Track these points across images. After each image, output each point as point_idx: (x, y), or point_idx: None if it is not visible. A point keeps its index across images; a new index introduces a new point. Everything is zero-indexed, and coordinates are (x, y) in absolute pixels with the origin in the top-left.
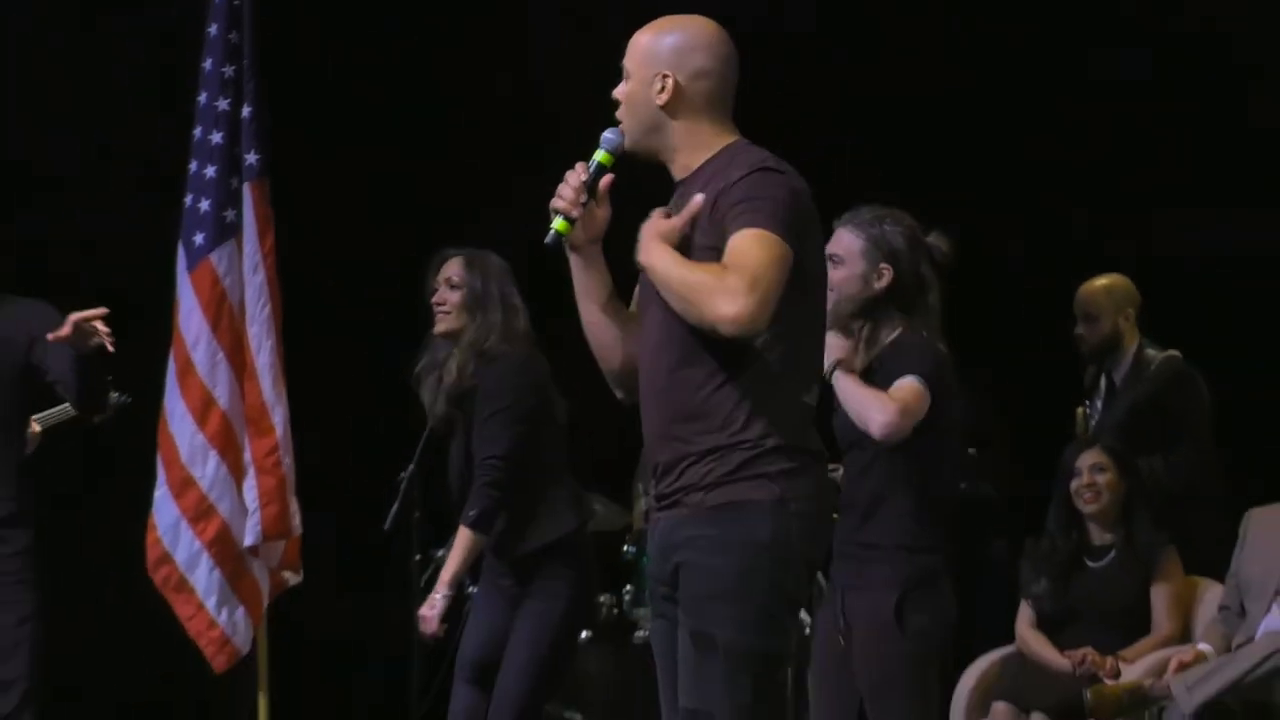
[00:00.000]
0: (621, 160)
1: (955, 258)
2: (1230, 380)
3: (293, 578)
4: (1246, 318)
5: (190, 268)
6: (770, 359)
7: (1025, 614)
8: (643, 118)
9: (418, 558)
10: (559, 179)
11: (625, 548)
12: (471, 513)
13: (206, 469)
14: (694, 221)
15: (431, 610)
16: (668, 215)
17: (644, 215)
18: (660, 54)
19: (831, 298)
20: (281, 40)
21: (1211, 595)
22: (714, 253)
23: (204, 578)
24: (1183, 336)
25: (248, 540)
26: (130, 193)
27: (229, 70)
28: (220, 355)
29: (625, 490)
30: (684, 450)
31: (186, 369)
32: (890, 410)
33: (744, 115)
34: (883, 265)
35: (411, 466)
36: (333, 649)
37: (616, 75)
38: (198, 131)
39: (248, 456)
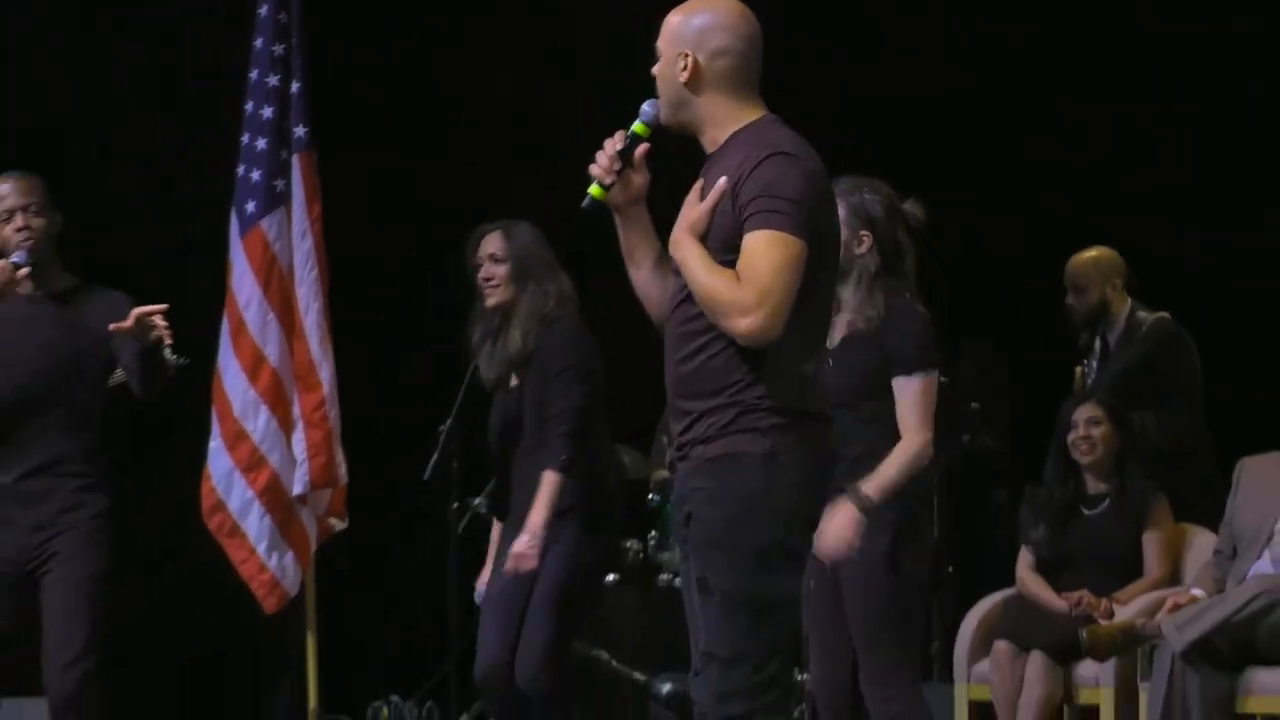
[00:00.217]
0: (658, 132)
1: (928, 223)
2: (1222, 344)
3: (338, 524)
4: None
5: (242, 234)
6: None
7: (1025, 558)
8: (670, 95)
9: (455, 506)
10: (556, 178)
11: (650, 496)
12: (561, 458)
13: (258, 422)
14: (719, 204)
15: (531, 549)
16: (701, 191)
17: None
18: (683, 34)
19: None
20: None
21: (1199, 541)
22: (737, 242)
23: (255, 524)
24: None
25: (296, 489)
26: (130, 191)
27: (279, 48)
28: (271, 315)
29: (649, 441)
30: (691, 408)
31: (239, 329)
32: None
33: None
34: (862, 232)
35: (450, 420)
36: (375, 592)
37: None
38: (249, 106)
39: (296, 411)
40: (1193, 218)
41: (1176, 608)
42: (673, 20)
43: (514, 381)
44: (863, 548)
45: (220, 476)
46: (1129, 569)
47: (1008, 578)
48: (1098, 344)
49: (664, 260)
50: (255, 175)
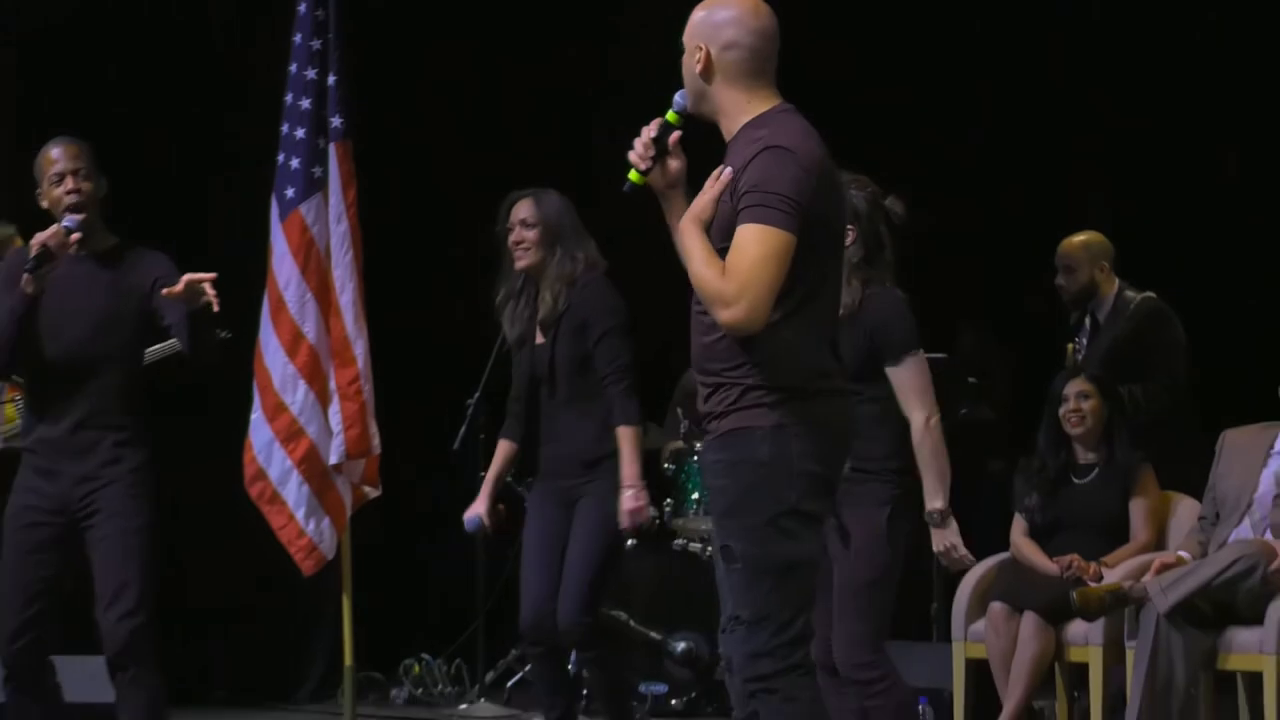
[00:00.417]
0: (689, 120)
1: (907, 219)
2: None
3: (372, 492)
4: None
5: (282, 218)
6: (783, 309)
7: (1019, 524)
8: (689, 86)
9: (482, 474)
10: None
11: (665, 465)
12: (631, 413)
13: (296, 396)
14: (722, 195)
15: (638, 503)
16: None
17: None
18: (698, 28)
19: None
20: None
21: (1183, 508)
22: (734, 233)
23: (294, 492)
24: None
25: (332, 459)
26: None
27: (316, 43)
28: (308, 295)
29: (663, 412)
30: (708, 382)
31: (279, 307)
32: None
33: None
34: (848, 226)
35: (478, 394)
36: (407, 556)
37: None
38: (289, 97)
39: (332, 385)
40: (1180, 201)
41: (1164, 568)
42: (694, 15)
43: (539, 339)
44: (864, 521)
45: (261, 447)
46: (1117, 534)
47: (1002, 543)
48: (1088, 321)
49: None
50: (294, 163)
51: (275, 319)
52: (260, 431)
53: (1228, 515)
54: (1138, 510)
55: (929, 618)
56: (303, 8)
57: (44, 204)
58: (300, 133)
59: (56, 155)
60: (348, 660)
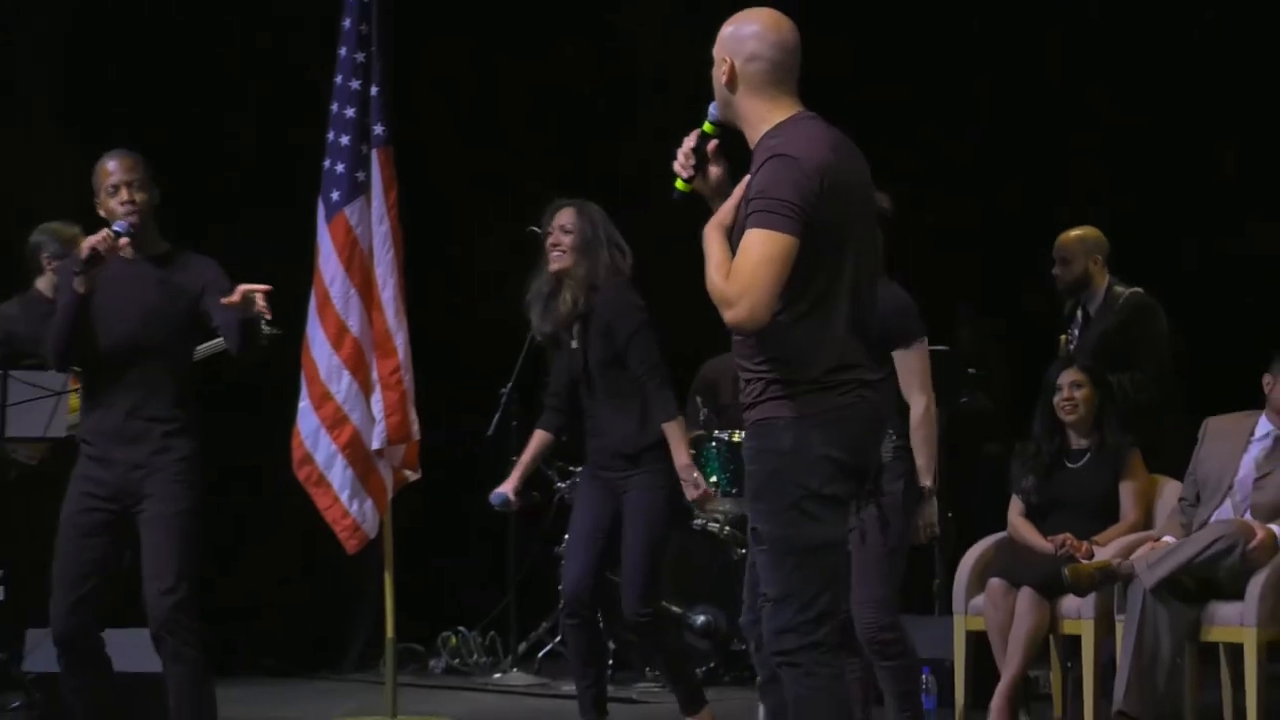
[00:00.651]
0: (724, 129)
1: (895, 214)
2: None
3: (412, 475)
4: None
5: (328, 219)
6: (798, 309)
7: (1015, 505)
8: (718, 96)
9: (514, 459)
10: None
11: None
12: (671, 408)
13: (341, 385)
14: (740, 201)
15: (698, 488)
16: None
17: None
18: (725, 42)
19: None
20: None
21: (1170, 490)
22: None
23: (339, 475)
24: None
25: (375, 444)
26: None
27: (360, 56)
28: (352, 291)
29: (682, 402)
30: (742, 375)
31: (325, 302)
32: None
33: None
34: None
35: (510, 384)
36: (444, 535)
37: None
38: (334, 107)
39: (375, 375)
40: (1178, 199)
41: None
42: (722, 30)
43: (573, 344)
44: (885, 491)
45: (308, 433)
46: (1107, 514)
47: (1000, 523)
48: (1079, 314)
49: None
50: (339, 168)
51: (321, 313)
52: (307, 419)
53: (1209, 497)
54: (1127, 492)
55: (931, 593)
56: (347, 23)
57: (101, 212)
58: (345, 140)
59: (113, 168)
60: (389, 632)
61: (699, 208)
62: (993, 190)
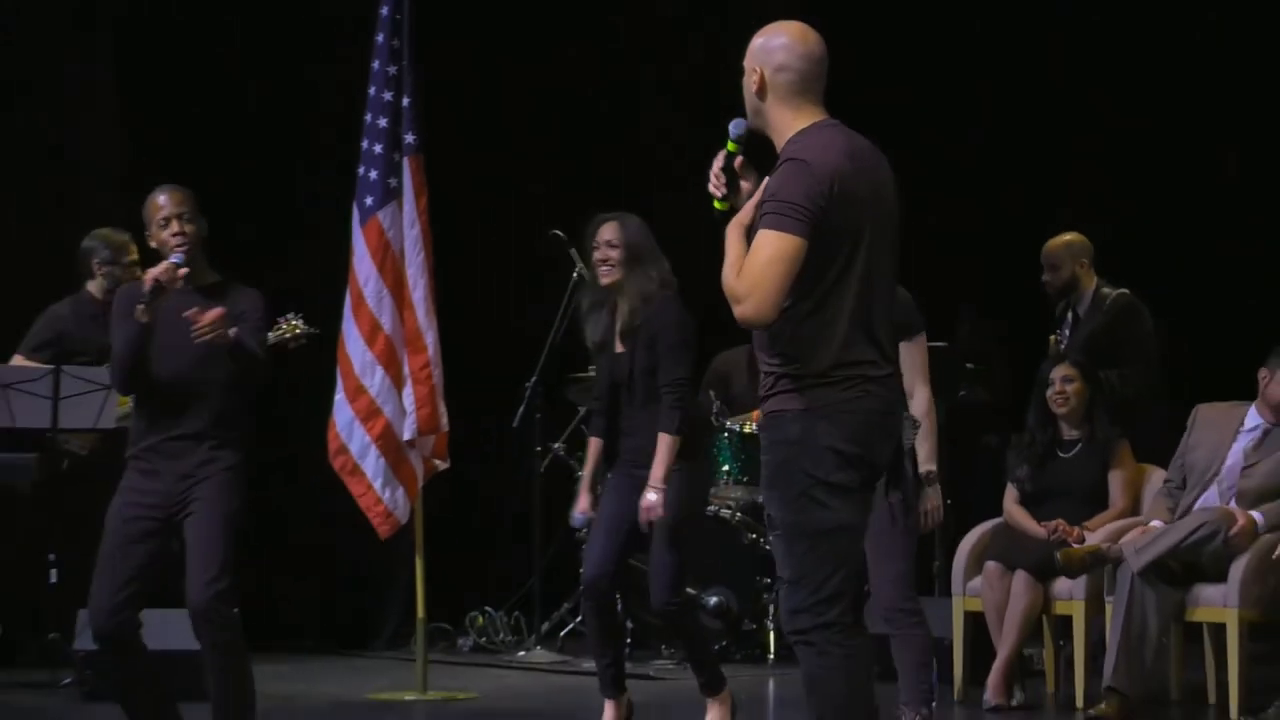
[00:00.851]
0: (749, 143)
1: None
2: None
3: (441, 464)
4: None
5: (362, 223)
6: (805, 306)
7: (1011, 493)
8: (748, 104)
9: (538, 449)
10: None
11: None
12: (674, 424)
13: (374, 380)
14: (759, 203)
15: (658, 500)
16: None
17: None
18: (755, 53)
19: None
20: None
21: (1156, 478)
22: None
23: (372, 464)
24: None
25: (406, 435)
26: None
27: (392, 69)
28: (385, 291)
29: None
30: (761, 369)
31: (359, 302)
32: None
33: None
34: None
35: (534, 378)
36: (472, 521)
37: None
38: (368, 117)
39: (406, 370)
40: (1179, 201)
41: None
42: (753, 41)
43: (619, 348)
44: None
45: (343, 425)
46: (1097, 502)
47: (996, 509)
48: (1070, 315)
49: None
50: (373, 175)
51: (356, 312)
52: (342, 411)
53: (1196, 482)
54: (1116, 480)
55: (932, 575)
56: (380, 38)
57: (152, 244)
58: (378, 148)
59: (163, 202)
60: (420, 613)
61: (702, 209)
62: (995, 192)
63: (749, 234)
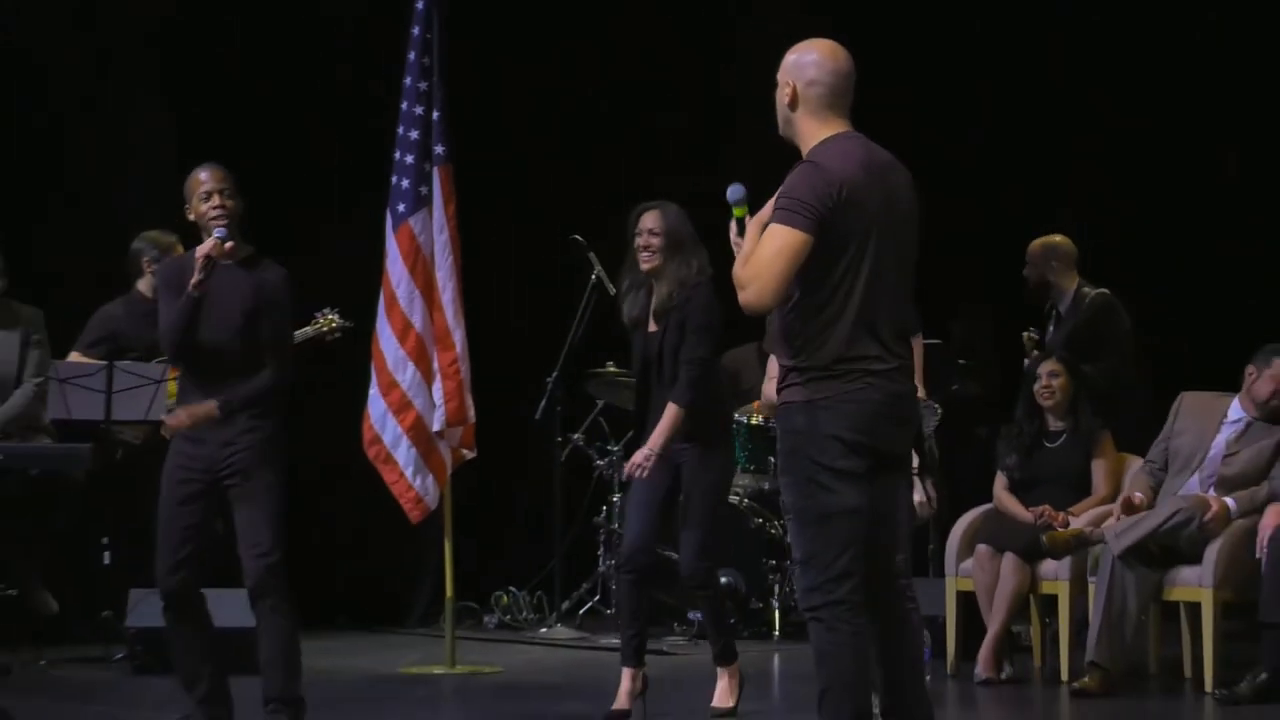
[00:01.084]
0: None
1: None
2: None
3: (468, 454)
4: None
5: (394, 229)
6: (815, 303)
7: (1000, 480)
8: (779, 114)
9: (559, 440)
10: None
11: None
12: (684, 397)
13: (406, 375)
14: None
15: (647, 461)
16: None
17: None
18: (788, 68)
19: None
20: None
21: (1136, 466)
22: None
23: (404, 454)
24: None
25: (435, 426)
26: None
27: (423, 85)
28: (416, 292)
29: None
30: (778, 363)
31: (392, 302)
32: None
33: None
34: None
35: (555, 373)
36: (497, 507)
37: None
38: (401, 130)
39: (435, 366)
40: (1179, 201)
41: (1127, 502)
42: (786, 57)
43: (653, 328)
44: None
45: (377, 416)
46: (1081, 488)
47: (987, 495)
48: (1054, 313)
49: None
50: (405, 184)
51: (388, 312)
52: (376, 404)
53: (1180, 468)
54: (1098, 469)
55: (926, 557)
56: (411, 55)
57: (191, 217)
58: (409, 159)
59: (205, 177)
60: (449, 592)
61: (705, 213)
62: (995, 192)
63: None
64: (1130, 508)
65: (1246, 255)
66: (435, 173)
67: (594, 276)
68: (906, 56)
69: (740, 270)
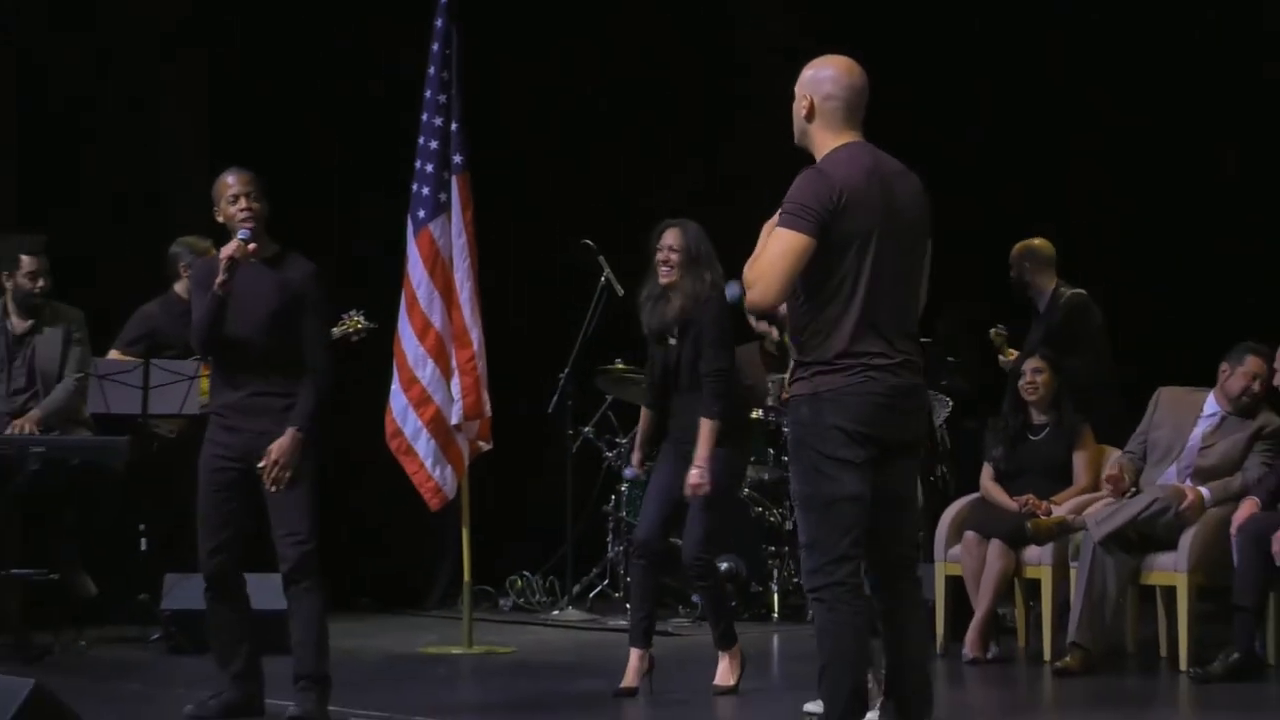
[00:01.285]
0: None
1: None
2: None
3: (485, 446)
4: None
5: (415, 234)
6: (820, 302)
7: (987, 471)
8: (796, 125)
9: (570, 433)
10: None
11: None
12: (716, 410)
13: (425, 371)
14: None
15: (700, 479)
16: None
17: None
18: (805, 81)
19: None
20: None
21: (1114, 457)
22: None
23: (424, 446)
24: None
25: (453, 420)
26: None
27: (442, 98)
28: (435, 293)
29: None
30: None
31: (412, 302)
32: None
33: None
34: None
35: (567, 370)
36: (512, 496)
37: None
38: (421, 140)
39: (454, 363)
40: (1178, 199)
41: (1111, 478)
42: (804, 72)
43: (672, 340)
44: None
45: (398, 410)
46: (1063, 478)
47: (974, 485)
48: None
49: None
50: (425, 191)
51: (409, 311)
52: (398, 399)
53: (1159, 459)
54: (1079, 460)
55: (917, 543)
56: (431, 70)
57: (219, 219)
58: (429, 167)
59: (232, 181)
60: (466, 577)
61: (705, 213)
62: (994, 190)
63: None
64: (1112, 480)
65: (1245, 253)
66: (453, 181)
67: (603, 279)
68: (906, 55)
69: (748, 271)
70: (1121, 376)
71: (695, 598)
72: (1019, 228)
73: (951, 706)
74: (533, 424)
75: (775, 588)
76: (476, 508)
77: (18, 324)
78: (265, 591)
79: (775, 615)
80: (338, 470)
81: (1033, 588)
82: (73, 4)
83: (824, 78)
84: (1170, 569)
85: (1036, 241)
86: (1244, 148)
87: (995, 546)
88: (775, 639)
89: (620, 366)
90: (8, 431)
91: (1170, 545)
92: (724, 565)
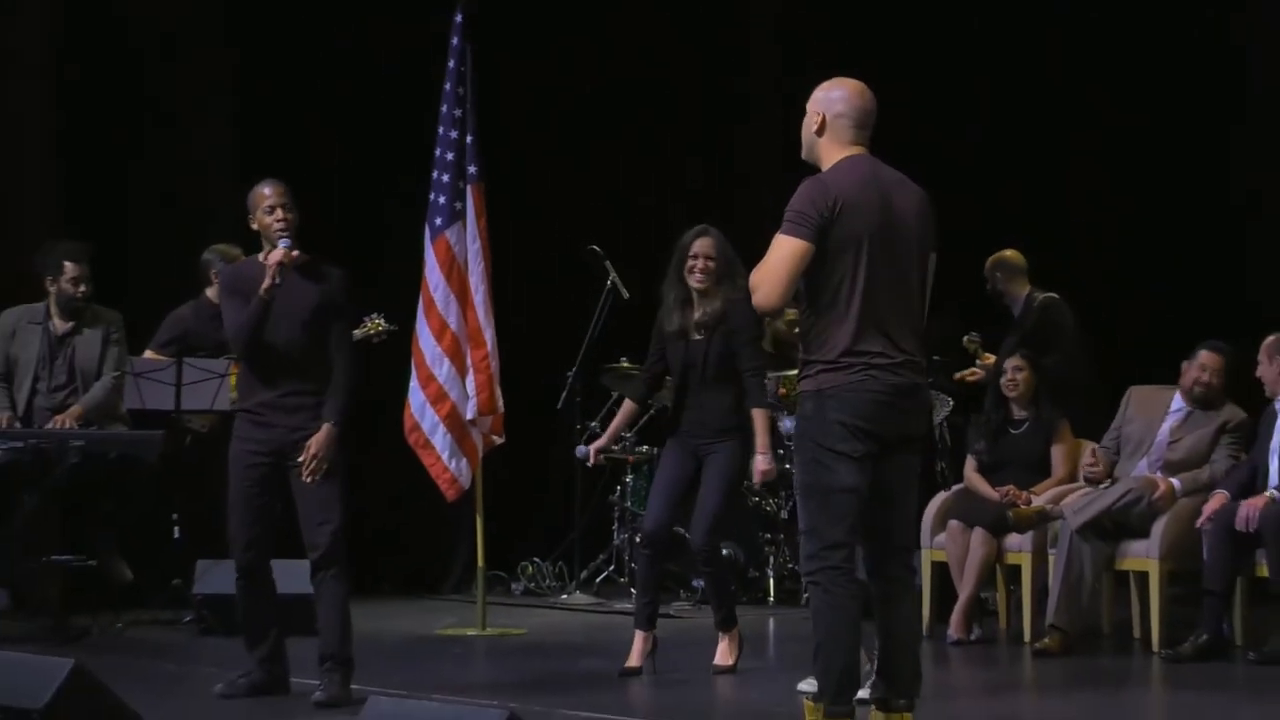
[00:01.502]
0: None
1: None
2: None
3: (498, 440)
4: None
5: (432, 240)
6: (823, 304)
7: (970, 463)
8: (805, 139)
9: (578, 427)
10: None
11: None
12: (763, 400)
13: (442, 369)
14: None
15: (769, 465)
16: None
17: None
18: (818, 100)
19: None
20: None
21: (1089, 451)
22: None
23: (440, 439)
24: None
25: (468, 415)
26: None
27: (457, 112)
28: (451, 295)
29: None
30: None
31: (430, 304)
32: None
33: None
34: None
35: (575, 368)
36: (523, 486)
37: None
38: (438, 152)
39: (468, 361)
40: (1178, 199)
41: (1090, 464)
42: (816, 91)
43: (696, 337)
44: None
45: (416, 406)
46: (1042, 470)
47: (958, 476)
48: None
49: None
50: (442, 200)
51: (427, 313)
52: (416, 395)
53: (1131, 453)
54: (1057, 453)
55: (912, 534)
56: (448, 86)
57: (254, 227)
58: (446, 178)
59: (268, 192)
60: (480, 562)
61: (704, 212)
62: (993, 189)
63: None
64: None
65: (1244, 252)
66: (469, 190)
67: (609, 282)
68: (905, 54)
69: (753, 276)
70: (1121, 373)
71: (696, 582)
72: (1018, 226)
73: (937, 685)
74: (543, 419)
75: (771, 573)
76: (490, 498)
77: (60, 325)
78: (290, 577)
79: (771, 599)
80: (359, 465)
81: (1013, 573)
82: (101, 17)
83: (836, 97)
84: (1143, 555)
85: (1007, 253)
86: (1244, 146)
87: (978, 534)
88: (771, 621)
89: (625, 365)
90: (49, 426)
91: (1143, 533)
92: (724, 552)
